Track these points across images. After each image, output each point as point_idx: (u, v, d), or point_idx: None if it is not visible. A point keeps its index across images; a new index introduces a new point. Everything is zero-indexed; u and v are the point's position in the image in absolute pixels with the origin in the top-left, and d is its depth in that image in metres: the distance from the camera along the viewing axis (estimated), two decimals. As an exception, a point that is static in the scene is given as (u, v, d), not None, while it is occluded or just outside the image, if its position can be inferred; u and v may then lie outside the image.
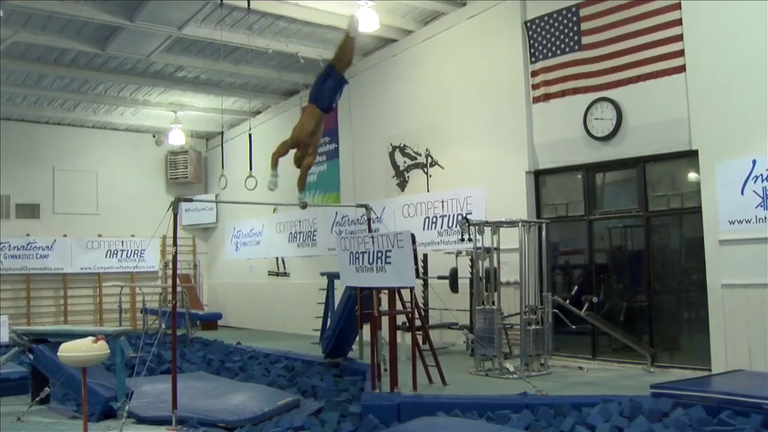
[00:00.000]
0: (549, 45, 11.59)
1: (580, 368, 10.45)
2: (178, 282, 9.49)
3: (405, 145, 14.41)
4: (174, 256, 8.34)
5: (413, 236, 8.66)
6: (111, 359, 7.91)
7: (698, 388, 7.38)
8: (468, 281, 11.66)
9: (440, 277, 12.31)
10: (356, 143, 15.80)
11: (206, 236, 21.93)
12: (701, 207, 9.61)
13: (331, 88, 8.50)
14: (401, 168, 14.54)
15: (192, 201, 9.22)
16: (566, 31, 11.32)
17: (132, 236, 19.87)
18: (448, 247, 12.76)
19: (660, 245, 10.65)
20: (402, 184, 14.53)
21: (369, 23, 11.91)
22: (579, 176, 11.50)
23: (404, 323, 10.69)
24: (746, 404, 6.65)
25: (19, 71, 15.14)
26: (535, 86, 11.85)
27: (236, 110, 18.93)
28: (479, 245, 10.31)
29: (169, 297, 13.72)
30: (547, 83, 11.65)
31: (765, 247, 8.77)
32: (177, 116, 18.77)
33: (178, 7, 11.98)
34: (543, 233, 10.57)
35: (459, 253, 11.92)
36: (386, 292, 9.00)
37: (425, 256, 12.94)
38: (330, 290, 13.56)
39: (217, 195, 19.59)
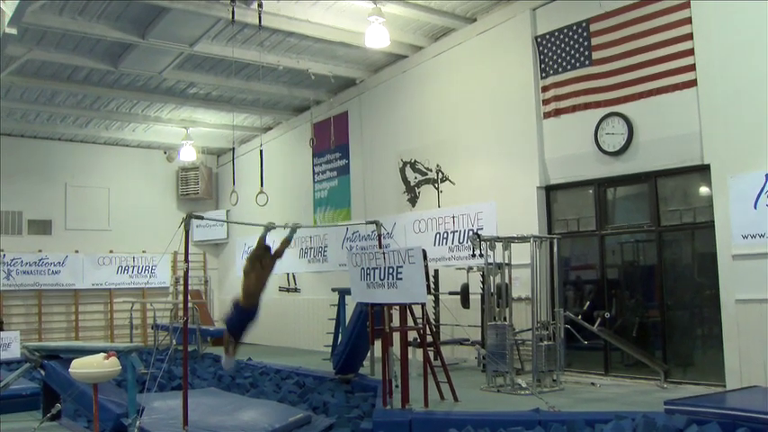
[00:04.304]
0: (559, 60, 11.60)
1: (593, 384, 10.38)
2: (189, 298, 9.50)
3: (415, 160, 14.43)
4: (186, 272, 8.35)
5: (424, 252, 8.65)
6: (123, 375, 7.90)
7: (713, 404, 7.28)
8: (479, 296, 11.61)
9: (451, 293, 12.28)
10: (367, 159, 15.83)
11: (217, 251, 21.96)
12: (713, 222, 9.56)
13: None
14: (412, 184, 14.54)
15: (202, 218, 9.23)
16: (576, 46, 11.33)
17: (143, 252, 19.93)
18: (459, 263, 12.73)
19: (672, 260, 10.59)
20: (413, 200, 14.53)
21: (379, 39, 11.95)
22: (590, 191, 11.47)
23: (415, 339, 10.65)
24: (763, 421, 6.55)
25: (33, 88, 15.28)
26: (546, 102, 11.86)
27: (247, 126, 19.02)
28: (491, 260, 10.28)
29: (180, 313, 13.72)
30: (557, 98, 11.65)
31: (779, 261, 8.73)
32: (188, 132, 18.86)
33: (190, 25, 12.07)
34: (555, 248, 10.54)
35: (470, 268, 11.90)
36: (397, 307, 8.98)
37: (436, 271, 12.92)
38: (341, 306, 13.54)
39: (228, 211, 19.64)
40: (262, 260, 9.20)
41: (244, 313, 9.09)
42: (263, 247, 9.27)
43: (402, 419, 7.91)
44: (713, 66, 9.59)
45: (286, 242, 9.60)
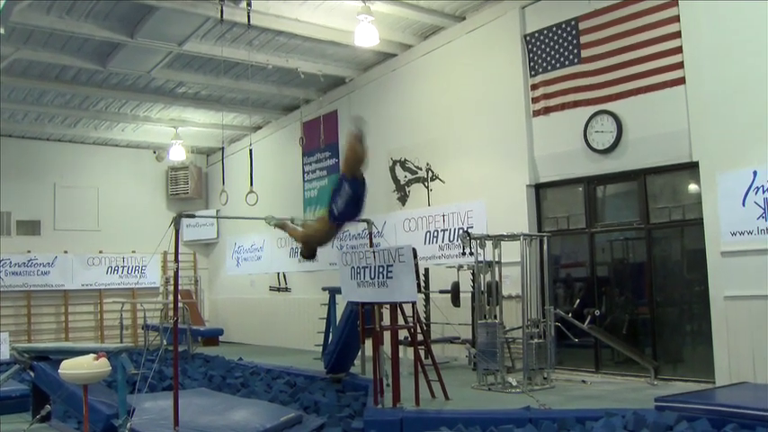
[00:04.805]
0: (548, 58, 11.62)
1: (583, 381, 10.41)
2: (179, 297, 9.47)
3: (405, 159, 14.43)
4: (176, 273, 8.33)
5: (414, 250, 8.65)
6: (113, 376, 7.87)
7: (702, 401, 7.33)
8: (469, 295, 11.63)
9: (441, 291, 12.29)
10: (357, 158, 15.77)
11: (207, 251, 21.91)
12: (702, 219, 9.61)
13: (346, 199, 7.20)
14: (402, 183, 14.54)
15: (193, 216, 9.20)
16: (565, 44, 11.36)
17: (133, 252, 19.86)
18: (449, 261, 12.74)
19: (662, 257, 10.64)
20: (403, 199, 14.52)
21: (369, 38, 11.94)
22: (580, 189, 11.50)
23: (406, 338, 10.65)
24: (752, 417, 6.60)
25: (20, 88, 15.19)
26: (535, 100, 11.88)
27: (236, 125, 18.96)
28: (481, 258, 10.29)
29: (170, 313, 13.68)
30: (547, 96, 11.67)
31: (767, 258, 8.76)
32: (178, 132, 18.81)
33: (178, 23, 12.03)
34: (544, 246, 10.56)
35: (460, 267, 11.90)
36: (387, 306, 8.98)
37: (427, 270, 12.93)
38: (332, 305, 13.54)
39: (218, 211, 19.60)
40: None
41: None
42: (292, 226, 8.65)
43: (393, 418, 7.91)
44: (701, 63, 9.63)
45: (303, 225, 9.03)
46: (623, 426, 6.93)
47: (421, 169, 14.07)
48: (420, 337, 9.88)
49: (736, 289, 9.11)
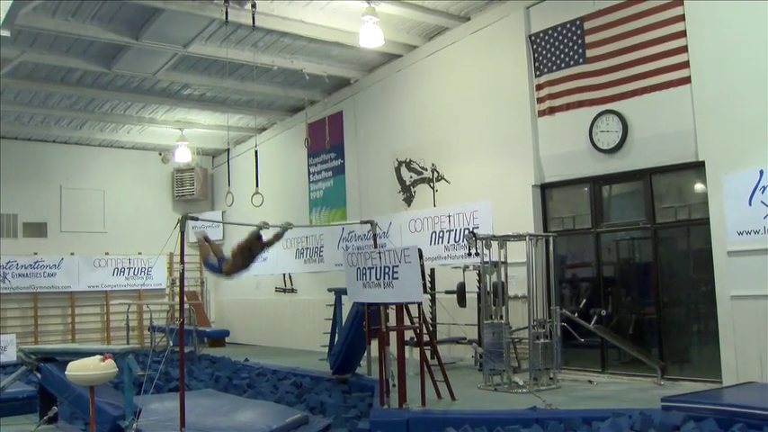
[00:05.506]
0: (553, 58, 11.61)
1: (590, 382, 10.39)
2: (185, 299, 9.49)
3: (410, 160, 14.43)
4: (182, 274, 8.35)
5: (420, 251, 8.65)
6: (119, 377, 7.89)
7: (709, 401, 7.31)
8: (475, 295, 11.62)
9: (447, 292, 12.28)
10: (362, 159, 15.82)
11: (213, 253, 21.88)
12: (708, 218, 9.57)
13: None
14: (407, 183, 14.54)
15: (197, 219, 9.24)
16: (570, 44, 11.34)
17: (139, 253, 19.89)
18: (455, 262, 12.73)
19: (668, 257, 10.61)
20: (408, 199, 14.52)
21: (373, 39, 11.95)
22: (586, 189, 11.49)
23: (412, 338, 10.66)
24: (759, 417, 6.58)
25: (26, 91, 15.25)
26: (540, 100, 11.86)
27: (241, 127, 18.98)
28: (486, 259, 10.28)
29: (176, 314, 13.70)
30: (552, 96, 11.66)
31: (774, 257, 8.74)
32: (183, 134, 18.84)
33: (183, 25, 12.05)
34: (550, 246, 10.55)
35: (466, 267, 11.89)
36: (393, 307, 8.97)
37: (432, 270, 12.91)
38: (338, 306, 13.53)
39: (223, 212, 19.62)
40: (252, 247, 9.40)
41: (220, 272, 9.71)
42: (255, 238, 9.45)
43: (399, 419, 7.91)
44: (707, 63, 9.60)
45: (278, 236, 9.81)
46: (630, 426, 6.91)
47: (426, 170, 14.07)
48: (426, 338, 9.89)
49: (742, 288, 9.08)
